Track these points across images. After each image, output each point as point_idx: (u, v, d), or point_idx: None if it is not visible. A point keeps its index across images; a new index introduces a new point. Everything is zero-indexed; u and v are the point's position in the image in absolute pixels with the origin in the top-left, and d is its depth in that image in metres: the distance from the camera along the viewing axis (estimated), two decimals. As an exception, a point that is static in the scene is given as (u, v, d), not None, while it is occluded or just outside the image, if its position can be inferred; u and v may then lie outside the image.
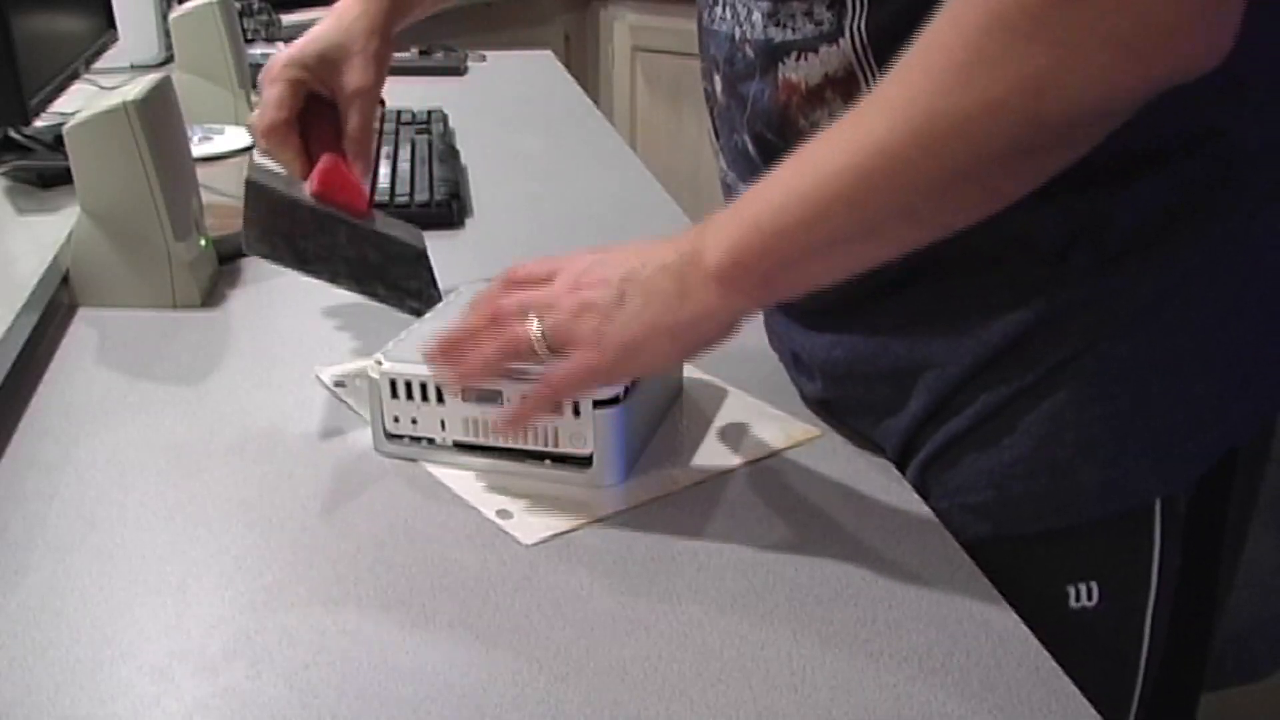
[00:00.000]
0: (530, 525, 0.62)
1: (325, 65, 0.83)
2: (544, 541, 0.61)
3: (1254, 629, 0.85)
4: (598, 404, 0.63)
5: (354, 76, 0.83)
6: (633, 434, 0.67)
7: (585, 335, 0.59)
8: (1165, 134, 0.60)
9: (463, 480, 0.67)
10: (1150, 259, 0.62)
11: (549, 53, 2.18)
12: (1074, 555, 0.66)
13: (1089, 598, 0.65)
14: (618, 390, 0.63)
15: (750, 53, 0.66)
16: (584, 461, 0.65)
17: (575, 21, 3.46)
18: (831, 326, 0.71)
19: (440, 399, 0.66)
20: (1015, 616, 0.55)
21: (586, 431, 0.64)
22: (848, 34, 0.61)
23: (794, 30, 0.63)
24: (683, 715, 0.49)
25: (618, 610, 0.55)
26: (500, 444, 0.66)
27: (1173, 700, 0.73)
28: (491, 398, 0.64)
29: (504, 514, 0.63)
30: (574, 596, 0.56)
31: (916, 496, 0.65)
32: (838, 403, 0.74)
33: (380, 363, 0.67)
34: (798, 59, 0.63)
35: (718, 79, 0.71)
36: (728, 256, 0.56)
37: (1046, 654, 0.53)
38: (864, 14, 0.60)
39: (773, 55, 0.64)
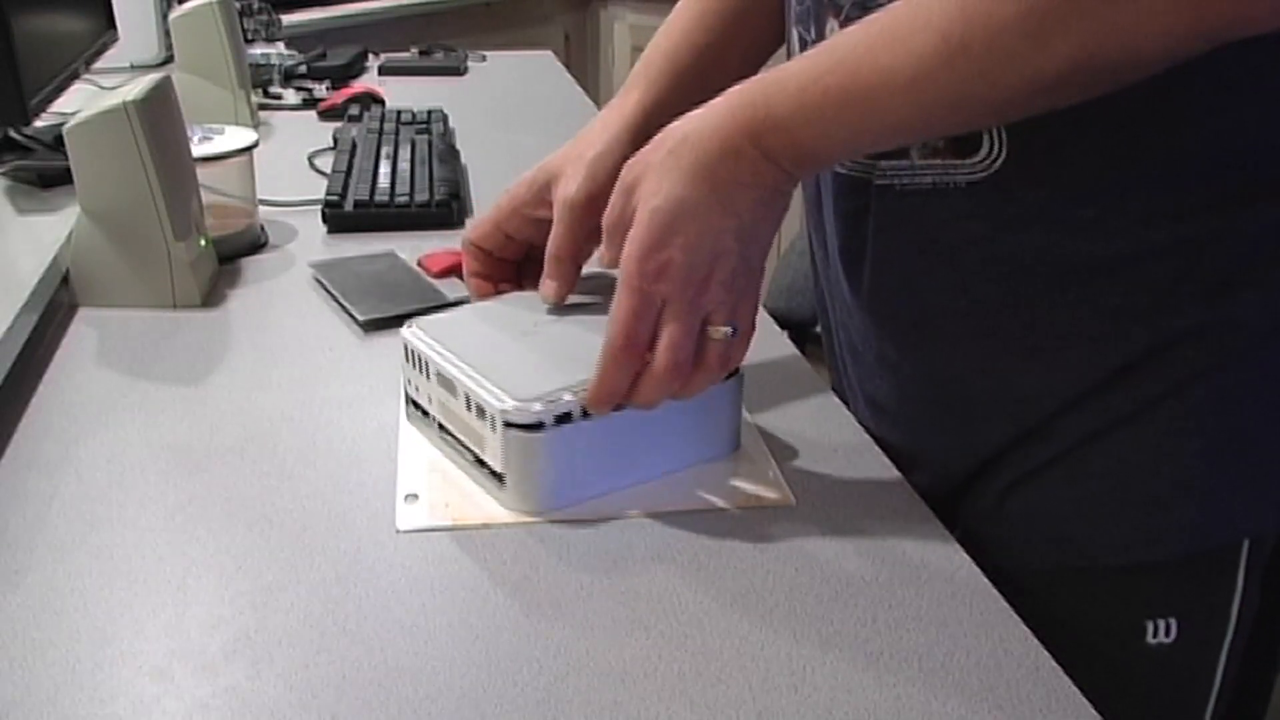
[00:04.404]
0: (416, 514, 0.62)
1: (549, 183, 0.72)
2: (411, 532, 0.61)
3: None
4: (509, 425, 0.60)
5: (563, 186, 0.70)
6: (567, 464, 0.62)
7: (746, 293, 0.59)
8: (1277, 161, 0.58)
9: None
10: (1263, 289, 0.60)
11: (549, 53, 2.17)
12: (1156, 591, 0.64)
13: (1166, 634, 0.64)
14: (541, 417, 0.60)
15: None
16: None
17: (575, 21, 3.46)
18: (911, 359, 0.69)
19: (427, 375, 0.67)
20: (1016, 616, 0.55)
21: (498, 449, 0.62)
22: None
23: None
24: (683, 715, 0.49)
25: (618, 610, 0.55)
26: (461, 438, 0.66)
27: None
28: (452, 388, 0.64)
29: (411, 497, 0.64)
30: (574, 596, 0.56)
31: (917, 496, 0.65)
32: (904, 421, 0.71)
33: (409, 326, 0.69)
34: None
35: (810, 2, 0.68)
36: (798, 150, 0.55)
37: (1047, 654, 0.52)
38: None
39: None
